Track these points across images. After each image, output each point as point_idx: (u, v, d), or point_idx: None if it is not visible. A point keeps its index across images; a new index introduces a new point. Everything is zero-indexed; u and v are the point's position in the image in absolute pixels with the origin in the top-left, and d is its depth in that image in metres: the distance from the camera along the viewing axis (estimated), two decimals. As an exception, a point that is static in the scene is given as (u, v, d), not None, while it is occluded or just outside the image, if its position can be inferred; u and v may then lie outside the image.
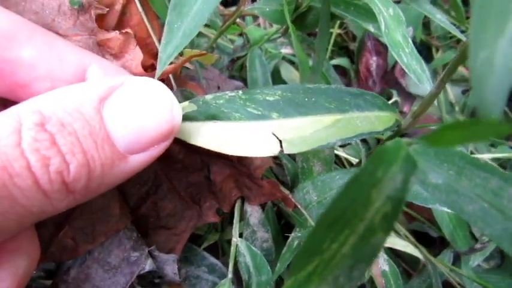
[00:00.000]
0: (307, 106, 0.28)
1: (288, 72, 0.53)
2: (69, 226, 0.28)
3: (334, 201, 0.14)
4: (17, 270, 0.23)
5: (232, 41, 0.55)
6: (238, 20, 0.58)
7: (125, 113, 0.22)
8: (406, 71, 0.28)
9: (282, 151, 0.26)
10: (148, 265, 0.30)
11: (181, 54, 0.34)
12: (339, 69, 0.65)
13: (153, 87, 0.23)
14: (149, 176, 0.37)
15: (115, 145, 0.22)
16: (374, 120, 0.28)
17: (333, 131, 0.27)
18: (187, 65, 0.30)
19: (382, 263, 0.33)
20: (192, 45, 0.46)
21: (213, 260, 0.40)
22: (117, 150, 0.22)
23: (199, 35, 0.52)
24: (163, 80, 0.31)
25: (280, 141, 0.26)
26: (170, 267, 0.31)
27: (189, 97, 0.31)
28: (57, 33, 0.30)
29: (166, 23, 0.25)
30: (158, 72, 0.26)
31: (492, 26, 0.14)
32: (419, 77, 0.28)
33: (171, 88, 0.32)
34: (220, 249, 0.45)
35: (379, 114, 0.29)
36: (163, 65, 0.25)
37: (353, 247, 0.14)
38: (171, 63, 0.30)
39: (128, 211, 0.32)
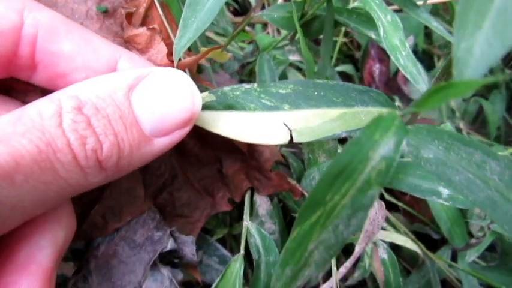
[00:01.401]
0: (316, 99, 0.31)
1: (295, 77, 0.57)
2: (99, 205, 0.32)
3: (337, 159, 0.17)
4: (56, 240, 0.26)
5: (242, 48, 0.60)
6: (248, 28, 0.63)
7: (151, 99, 0.25)
8: (403, 72, 0.31)
9: (291, 140, 0.30)
10: (170, 244, 0.33)
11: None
12: (344, 76, 0.70)
13: (177, 76, 0.26)
14: (166, 168, 0.40)
15: (142, 129, 0.25)
16: (376, 115, 0.32)
17: (339, 123, 0.31)
18: (203, 61, 0.33)
19: (382, 252, 0.36)
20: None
21: (224, 251, 0.43)
22: (143, 133, 0.25)
23: (211, 41, 0.57)
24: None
25: (291, 131, 0.30)
26: (189, 248, 0.35)
27: (203, 91, 0.35)
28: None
29: (181, 18, 0.29)
30: (175, 62, 0.29)
31: (472, 21, 0.18)
32: (415, 78, 0.32)
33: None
34: (229, 244, 0.48)
35: (382, 109, 0.32)
36: (177, 55, 0.29)
37: (352, 198, 0.18)
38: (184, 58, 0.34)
39: (150, 195, 0.36)
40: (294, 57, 0.58)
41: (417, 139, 0.22)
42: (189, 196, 0.41)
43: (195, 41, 0.42)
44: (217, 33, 0.57)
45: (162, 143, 0.27)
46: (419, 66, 0.32)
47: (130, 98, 0.25)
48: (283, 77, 0.54)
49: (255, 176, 0.43)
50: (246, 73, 0.54)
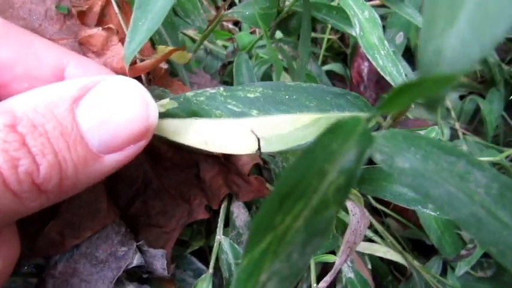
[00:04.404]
0: (287, 104, 0.29)
1: (282, 78, 0.54)
2: (55, 220, 0.30)
3: (287, 174, 0.15)
4: None
5: (226, 47, 0.57)
6: (231, 26, 0.60)
7: (98, 112, 0.23)
8: (382, 73, 0.29)
9: (259, 150, 0.27)
10: (136, 260, 0.31)
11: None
12: (338, 76, 0.67)
13: (128, 85, 0.24)
14: (138, 175, 0.38)
15: (88, 145, 0.23)
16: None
17: (312, 130, 0.28)
18: (163, 63, 0.31)
19: (348, 271, 0.33)
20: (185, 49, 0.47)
21: (199, 265, 0.41)
22: (90, 150, 0.23)
23: (193, 40, 0.54)
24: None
25: (259, 140, 0.27)
26: (159, 262, 0.33)
27: (161, 95, 0.32)
28: (44, 37, 0.32)
29: (131, 20, 0.27)
30: (126, 68, 0.27)
31: (443, 16, 0.15)
32: (395, 80, 0.29)
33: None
34: (206, 256, 0.45)
35: (360, 114, 0.30)
36: (128, 61, 0.27)
37: (306, 221, 0.15)
38: (142, 60, 0.31)
39: (115, 207, 0.34)
40: (278, 56, 0.55)
41: (391, 146, 0.20)
42: (164, 204, 0.39)
43: (166, 42, 0.40)
44: (198, 31, 0.54)
45: (114, 160, 0.24)
46: (400, 67, 0.29)
47: (75, 111, 0.23)
48: (266, 76, 0.51)
49: (234, 181, 0.41)
50: (228, 73, 0.52)
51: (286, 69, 0.58)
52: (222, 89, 0.29)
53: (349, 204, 0.32)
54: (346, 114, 0.29)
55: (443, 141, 0.19)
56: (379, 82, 0.59)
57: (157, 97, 0.27)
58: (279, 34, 0.47)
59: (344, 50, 0.66)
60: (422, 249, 0.54)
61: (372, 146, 0.16)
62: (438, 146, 0.19)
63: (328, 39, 0.60)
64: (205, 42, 0.53)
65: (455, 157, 0.19)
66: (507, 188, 0.19)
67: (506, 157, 0.41)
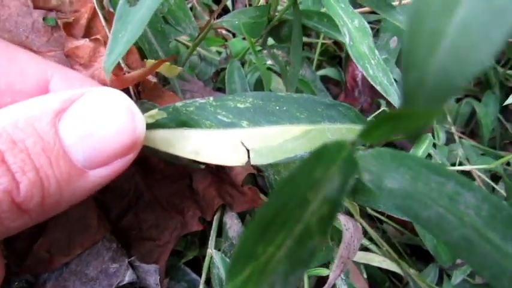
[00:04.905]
0: (277, 115, 0.28)
1: (274, 82, 0.54)
2: (43, 238, 0.29)
3: (269, 202, 0.14)
4: None
5: (219, 53, 0.56)
6: (224, 32, 0.60)
7: (82, 125, 0.22)
8: (372, 83, 0.28)
9: (249, 161, 0.27)
10: (128, 276, 0.30)
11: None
12: (332, 80, 0.66)
13: (113, 97, 0.23)
14: (130, 187, 0.38)
15: (72, 160, 0.22)
16: (345, 132, 0.29)
17: (302, 142, 0.28)
18: (152, 77, 0.30)
19: (341, 284, 0.33)
20: (176, 58, 0.47)
21: (194, 276, 0.40)
22: (74, 166, 0.22)
23: (186, 46, 0.53)
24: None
25: (248, 151, 0.27)
26: (152, 278, 0.32)
27: (149, 109, 0.32)
28: (31, 49, 0.32)
29: (111, 32, 0.26)
30: (107, 80, 0.26)
31: (424, 44, 0.14)
32: (385, 89, 0.29)
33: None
34: (200, 267, 0.44)
35: (351, 126, 0.29)
36: (108, 73, 0.26)
37: (289, 251, 0.14)
38: (129, 72, 0.30)
39: (106, 222, 0.33)
40: (271, 61, 0.54)
41: (379, 165, 0.19)
42: (157, 216, 0.39)
43: (157, 51, 0.39)
44: (190, 39, 0.54)
45: (100, 175, 0.23)
46: (391, 76, 0.29)
47: (57, 125, 0.22)
48: (259, 83, 0.51)
49: (228, 191, 0.40)
50: (221, 80, 0.51)
51: (280, 75, 0.57)
52: (211, 99, 0.28)
53: (342, 218, 0.31)
54: (338, 125, 0.29)
55: (431, 161, 0.18)
56: (374, 87, 0.58)
57: (146, 111, 0.27)
58: (272, 40, 0.47)
59: (339, 54, 0.65)
60: (420, 254, 0.54)
61: (356, 171, 0.15)
62: (427, 166, 0.19)
63: (323, 44, 0.60)
64: (199, 48, 0.53)
65: (445, 178, 0.19)
66: (497, 209, 0.18)
67: (502, 163, 0.41)
